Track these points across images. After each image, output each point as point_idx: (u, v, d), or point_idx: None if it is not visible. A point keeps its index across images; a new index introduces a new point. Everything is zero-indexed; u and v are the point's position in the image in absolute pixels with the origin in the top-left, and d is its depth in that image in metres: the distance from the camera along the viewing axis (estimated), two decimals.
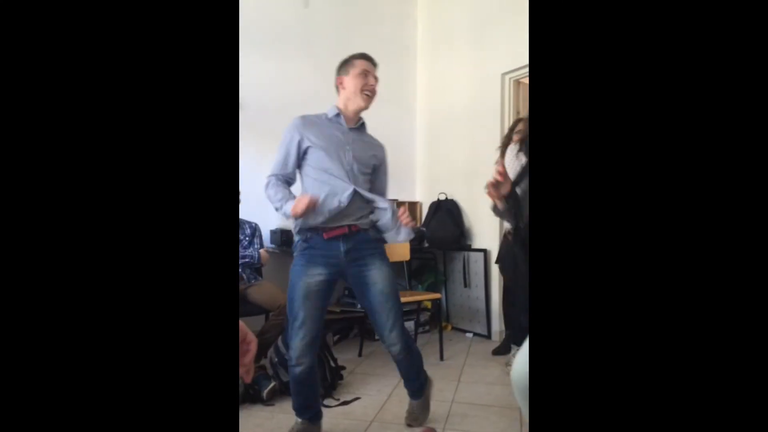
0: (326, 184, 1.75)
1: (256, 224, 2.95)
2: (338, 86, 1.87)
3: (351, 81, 1.81)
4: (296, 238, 1.82)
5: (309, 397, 1.81)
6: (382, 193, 1.91)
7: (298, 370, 1.75)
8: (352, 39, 3.71)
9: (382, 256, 1.82)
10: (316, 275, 1.72)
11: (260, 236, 2.93)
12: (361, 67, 1.81)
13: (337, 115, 1.86)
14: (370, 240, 1.79)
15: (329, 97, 3.69)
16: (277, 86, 3.43)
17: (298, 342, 1.73)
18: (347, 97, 1.83)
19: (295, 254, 1.81)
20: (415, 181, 4.07)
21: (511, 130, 2.88)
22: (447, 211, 3.56)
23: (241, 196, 3.11)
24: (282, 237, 3.18)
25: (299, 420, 1.82)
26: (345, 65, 1.85)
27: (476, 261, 3.43)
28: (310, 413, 1.82)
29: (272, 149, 3.29)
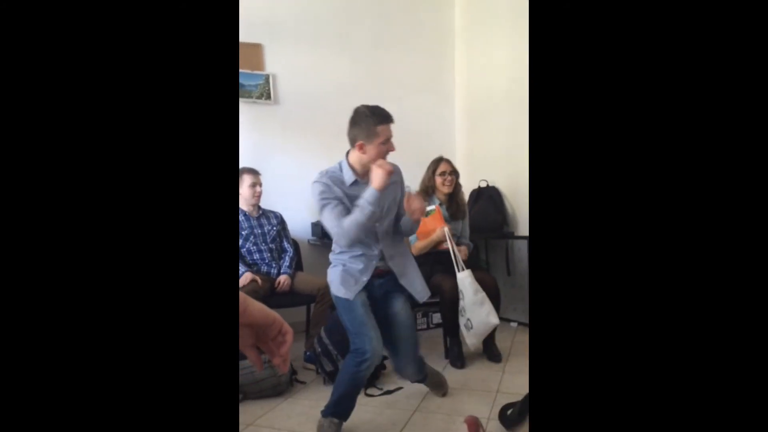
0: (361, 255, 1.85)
1: (280, 215, 2.93)
2: (357, 149, 1.79)
3: (374, 150, 1.76)
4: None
5: (355, 398, 1.83)
6: (401, 219, 1.94)
7: (366, 369, 1.75)
8: (388, 29, 3.68)
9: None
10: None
11: (284, 229, 2.93)
12: (384, 135, 1.76)
13: (355, 182, 1.82)
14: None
15: (366, 90, 3.69)
16: (314, 79, 3.45)
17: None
18: (366, 163, 1.78)
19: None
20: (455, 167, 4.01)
21: (433, 171, 2.73)
22: (488, 198, 3.50)
23: (281, 191, 3.17)
24: (323, 229, 3.21)
25: (335, 420, 1.79)
26: (366, 131, 1.75)
27: (520, 249, 3.37)
28: (349, 415, 1.83)
29: (310, 143, 3.37)
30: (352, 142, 1.81)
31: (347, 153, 1.87)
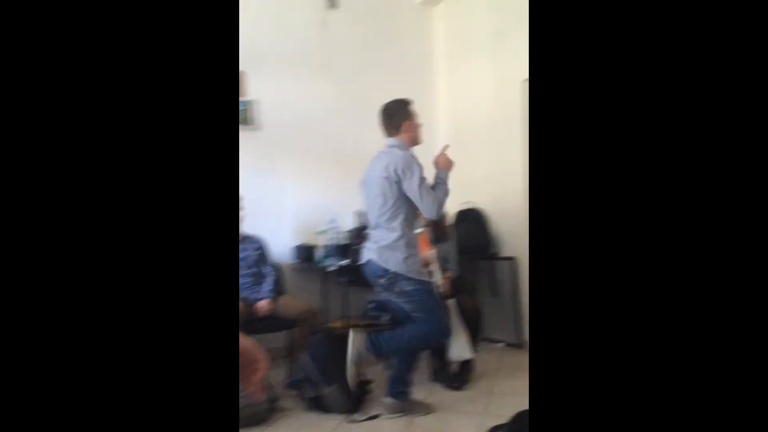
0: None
1: (261, 239, 2.86)
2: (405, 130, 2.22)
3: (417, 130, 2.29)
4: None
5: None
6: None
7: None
8: (371, 56, 3.74)
9: None
10: None
11: (266, 253, 2.85)
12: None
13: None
14: None
15: (350, 115, 3.73)
16: (297, 104, 3.47)
17: None
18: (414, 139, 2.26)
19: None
20: None
21: None
22: (473, 220, 3.51)
23: (264, 215, 3.14)
24: (306, 253, 3.18)
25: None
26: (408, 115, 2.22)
27: (504, 269, 3.36)
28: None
29: (292, 167, 3.37)
30: (397, 128, 2.17)
31: (390, 137, 2.23)
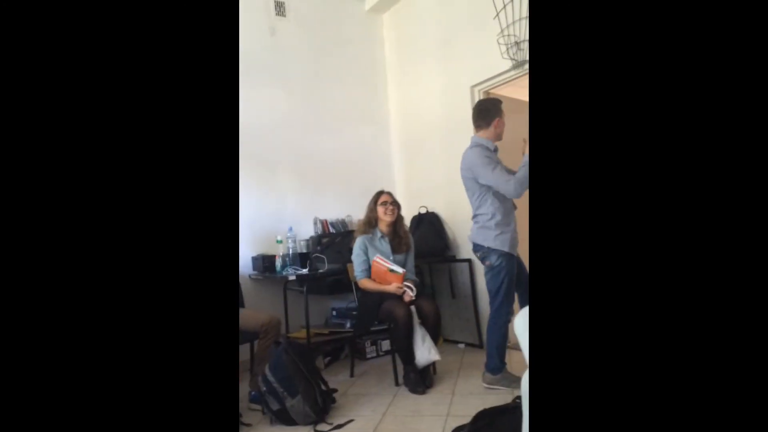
0: None
1: None
2: (494, 127, 2.48)
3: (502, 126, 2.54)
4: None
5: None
6: None
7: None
8: (322, 63, 3.74)
9: None
10: None
11: None
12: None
13: (495, 149, 2.53)
14: None
15: (303, 122, 3.72)
16: (250, 111, 3.42)
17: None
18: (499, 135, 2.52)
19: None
20: (396, 197, 4.08)
21: (375, 202, 2.89)
22: (429, 224, 3.57)
23: None
24: (264, 263, 3.15)
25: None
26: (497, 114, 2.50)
27: (462, 271, 3.44)
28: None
29: (247, 175, 3.33)
30: (488, 123, 2.46)
31: (477, 133, 2.51)
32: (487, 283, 2.46)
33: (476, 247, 2.48)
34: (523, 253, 2.57)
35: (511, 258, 2.42)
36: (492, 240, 2.39)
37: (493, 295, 2.43)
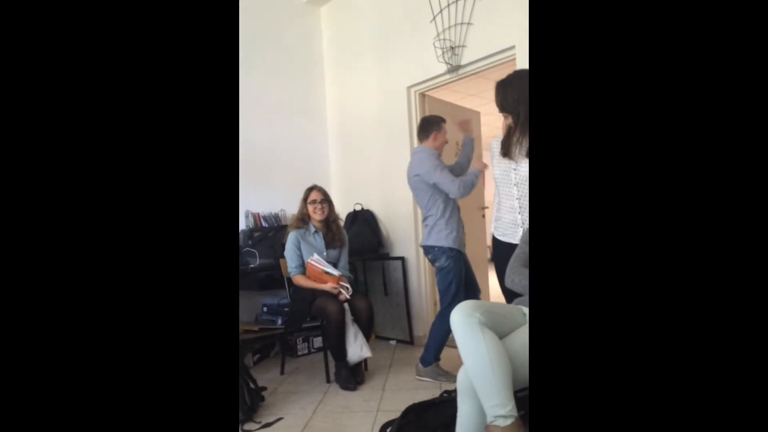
0: None
1: None
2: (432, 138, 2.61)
3: (443, 138, 2.65)
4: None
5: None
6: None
7: None
8: (258, 50, 3.63)
9: None
10: None
11: None
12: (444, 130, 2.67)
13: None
14: None
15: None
16: None
17: None
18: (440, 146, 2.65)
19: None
20: (331, 193, 4.05)
21: (305, 200, 2.81)
22: (364, 221, 3.58)
23: None
24: None
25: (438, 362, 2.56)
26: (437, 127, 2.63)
27: (395, 269, 3.48)
28: None
29: None
30: (427, 135, 2.61)
31: (420, 144, 2.66)
32: (438, 283, 2.55)
33: (427, 250, 2.57)
34: (469, 252, 2.68)
35: (459, 256, 2.52)
36: (444, 239, 2.49)
37: (443, 293, 2.52)
